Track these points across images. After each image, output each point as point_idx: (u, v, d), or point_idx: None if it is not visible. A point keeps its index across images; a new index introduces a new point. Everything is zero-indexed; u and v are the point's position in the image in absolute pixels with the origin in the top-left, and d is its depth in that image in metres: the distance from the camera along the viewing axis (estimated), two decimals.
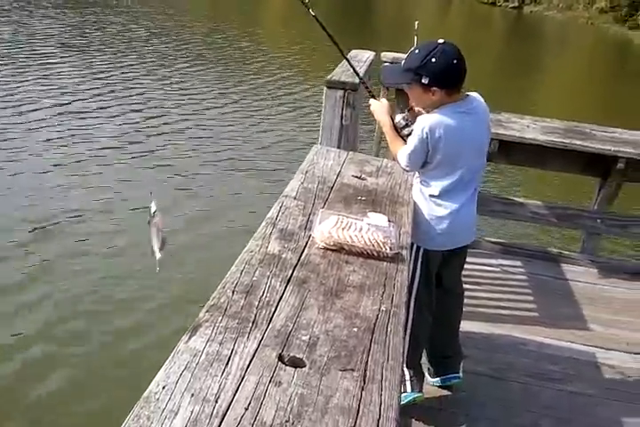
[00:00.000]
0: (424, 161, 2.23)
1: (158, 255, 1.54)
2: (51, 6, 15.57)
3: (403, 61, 2.25)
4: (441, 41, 2.16)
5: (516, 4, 36.70)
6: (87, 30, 13.42)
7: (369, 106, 2.54)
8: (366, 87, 2.82)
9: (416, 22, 4.48)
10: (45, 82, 9.18)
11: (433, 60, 2.11)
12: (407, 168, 2.30)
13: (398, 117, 2.43)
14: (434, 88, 2.15)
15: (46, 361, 3.78)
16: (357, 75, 2.91)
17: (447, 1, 37.38)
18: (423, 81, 2.15)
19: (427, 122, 2.17)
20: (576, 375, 2.83)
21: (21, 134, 7.10)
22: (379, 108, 2.47)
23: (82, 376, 3.72)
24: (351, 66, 2.89)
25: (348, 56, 3.30)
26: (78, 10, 15.72)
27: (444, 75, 2.14)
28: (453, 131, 2.17)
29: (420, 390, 2.47)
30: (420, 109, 2.34)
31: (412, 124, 2.34)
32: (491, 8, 35.99)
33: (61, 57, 10.72)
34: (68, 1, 16.82)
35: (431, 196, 2.26)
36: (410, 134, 2.31)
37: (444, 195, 2.26)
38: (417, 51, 2.18)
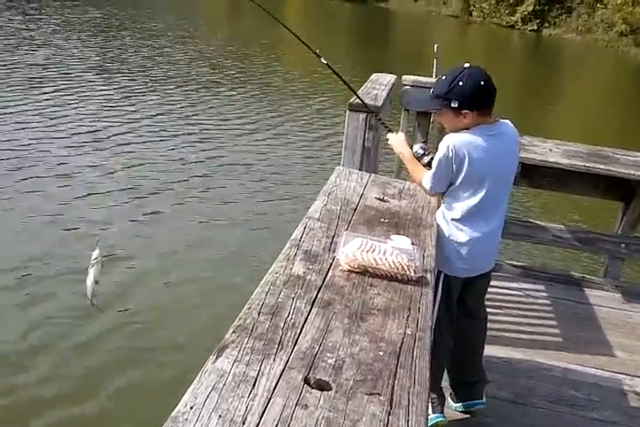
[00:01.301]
0: (449, 182, 2.24)
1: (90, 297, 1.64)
2: (84, 30, 15.93)
3: (431, 90, 2.28)
4: (467, 65, 2.20)
5: (535, 26, 36.84)
6: (117, 55, 13.64)
7: (386, 140, 2.60)
8: (382, 123, 2.86)
9: (435, 45, 4.54)
10: (82, 107, 9.29)
11: (460, 83, 2.15)
12: (432, 190, 2.29)
13: (416, 147, 2.48)
14: (464, 111, 2.17)
15: (74, 382, 3.76)
16: (372, 111, 2.95)
17: (465, 24, 37.63)
18: (453, 105, 2.17)
19: (452, 140, 2.18)
20: (600, 402, 2.78)
21: (57, 159, 7.15)
22: (396, 141, 2.52)
23: (110, 396, 3.71)
24: (364, 104, 2.94)
25: (362, 90, 3.37)
26: (110, 33, 16.07)
27: (473, 97, 2.17)
28: (479, 151, 2.17)
29: (442, 413, 2.45)
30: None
31: (431, 152, 2.37)
32: (509, 31, 36.14)
33: (94, 81, 10.88)
34: (101, 25, 17.17)
35: (453, 219, 2.26)
36: (430, 163, 2.34)
37: (465, 219, 2.25)
38: (444, 77, 2.22)
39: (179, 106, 10.15)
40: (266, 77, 13.54)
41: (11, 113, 8.55)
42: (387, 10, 39.45)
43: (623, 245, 3.77)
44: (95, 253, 1.72)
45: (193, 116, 9.70)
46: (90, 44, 14.27)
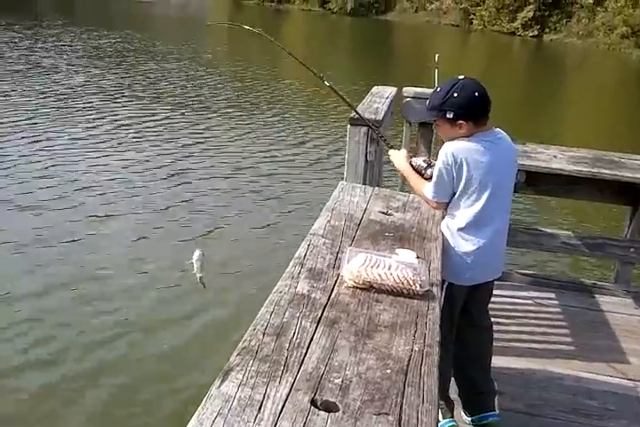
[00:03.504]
0: (452, 191, 2.25)
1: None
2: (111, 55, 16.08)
3: (427, 102, 2.32)
4: (461, 77, 2.25)
5: (536, 32, 36.94)
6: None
7: (388, 156, 2.61)
8: (384, 139, 2.87)
9: (436, 55, 4.54)
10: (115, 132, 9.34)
11: (455, 94, 2.19)
12: (434, 198, 2.28)
13: (419, 160, 2.47)
14: (460, 121, 2.21)
15: (71, 410, 3.72)
16: (372, 126, 2.96)
17: (466, 32, 37.79)
18: (448, 116, 2.21)
19: (450, 148, 2.21)
20: (616, 411, 2.74)
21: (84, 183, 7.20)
22: (397, 157, 2.53)
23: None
24: (368, 125, 2.96)
25: (363, 103, 3.39)
26: (132, 58, 16.23)
27: (468, 108, 2.20)
28: (477, 157, 2.19)
29: (452, 417, 2.46)
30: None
31: (433, 165, 2.37)
32: (511, 37, 36.24)
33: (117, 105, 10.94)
34: (126, 51, 17.30)
35: (458, 229, 2.26)
36: (432, 176, 2.34)
37: (470, 228, 2.25)
38: (439, 89, 2.27)
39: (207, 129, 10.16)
40: (269, 92, 13.60)
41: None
42: (387, 22, 39.73)
43: (632, 250, 3.74)
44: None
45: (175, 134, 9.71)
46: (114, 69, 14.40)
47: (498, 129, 2.32)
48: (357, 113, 2.98)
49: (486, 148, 2.21)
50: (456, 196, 2.25)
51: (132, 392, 3.89)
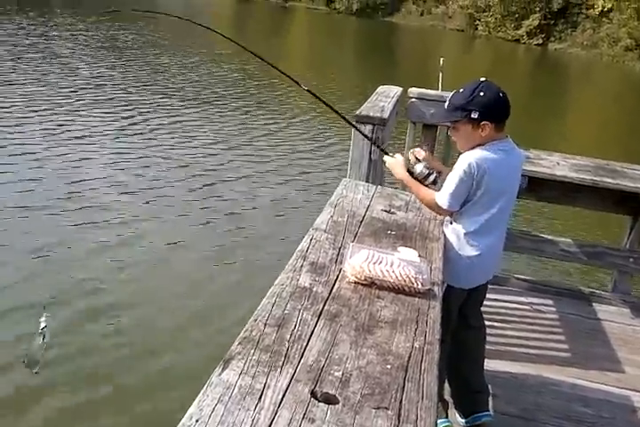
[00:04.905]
0: (465, 199, 2.22)
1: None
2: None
3: (446, 103, 2.25)
4: (483, 79, 2.21)
5: (541, 41, 37.00)
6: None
7: (383, 163, 2.53)
8: (378, 146, 2.83)
9: (441, 59, 4.55)
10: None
11: (481, 93, 2.15)
12: (450, 207, 2.21)
13: (420, 167, 2.35)
14: (484, 122, 2.16)
15: (82, 400, 3.69)
16: (367, 137, 2.94)
17: (471, 38, 37.84)
18: (473, 116, 2.15)
19: (472, 157, 2.17)
20: (610, 419, 2.74)
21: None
22: (394, 164, 2.41)
23: (113, 404, 3.67)
24: (360, 131, 2.92)
25: (369, 102, 3.37)
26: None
27: (494, 107, 2.17)
28: (498, 167, 2.18)
29: (447, 417, 2.47)
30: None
31: (434, 172, 2.33)
32: (515, 45, 36.30)
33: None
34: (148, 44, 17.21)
35: (465, 234, 2.25)
36: (435, 181, 2.31)
37: (477, 234, 2.25)
38: (461, 90, 2.21)
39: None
40: (267, 91, 13.57)
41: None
42: (392, 24, 39.73)
43: (631, 260, 3.73)
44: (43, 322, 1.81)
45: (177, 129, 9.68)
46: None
47: (509, 137, 2.30)
48: (338, 114, 2.79)
49: (504, 157, 2.20)
50: (469, 203, 2.22)
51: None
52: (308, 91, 2.67)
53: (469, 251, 2.26)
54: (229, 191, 7.27)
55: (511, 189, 2.30)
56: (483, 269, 2.37)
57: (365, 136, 2.97)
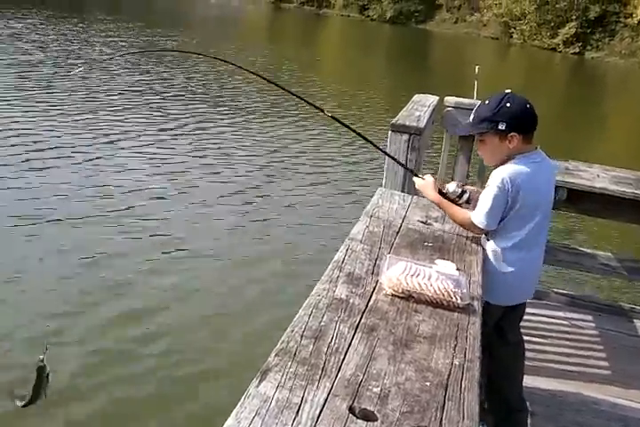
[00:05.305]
0: (501, 217, 2.15)
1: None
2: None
3: (472, 115, 2.21)
4: (508, 91, 2.17)
5: (577, 49, 36.47)
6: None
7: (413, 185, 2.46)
8: (405, 167, 2.79)
9: (476, 67, 4.49)
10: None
11: (508, 104, 2.11)
12: (488, 227, 2.15)
13: (452, 186, 2.30)
14: (511, 134, 2.11)
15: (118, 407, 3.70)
16: (400, 164, 2.84)
17: (506, 46, 37.49)
18: (500, 127, 2.11)
19: (505, 172, 2.12)
20: None
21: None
22: (424, 186, 2.35)
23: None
24: (392, 158, 2.84)
25: (405, 110, 3.33)
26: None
27: (521, 118, 2.13)
28: (531, 182, 2.13)
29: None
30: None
31: (467, 190, 2.29)
32: (551, 53, 35.83)
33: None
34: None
35: (503, 250, 2.19)
36: (469, 200, 2.26)
37: (514, 249, 2.19)
38: (487, 102, 2.17)
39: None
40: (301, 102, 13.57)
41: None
42: (426, 31, 39.64)
43: None
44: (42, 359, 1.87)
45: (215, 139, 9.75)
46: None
47: (539, 148, 2.24)
48: (378, 148, 2.77)
49: (537, 170, 2.14)
50: (506, 219, 2.16)
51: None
52: (332, 117, 2.64)
53: (507, 267, 2.20)
54: (264, 199, 7.29)
55: (546, 201, 2.24)
56: (522, 285, 2.31)
57: (396, 161, 2.83)
